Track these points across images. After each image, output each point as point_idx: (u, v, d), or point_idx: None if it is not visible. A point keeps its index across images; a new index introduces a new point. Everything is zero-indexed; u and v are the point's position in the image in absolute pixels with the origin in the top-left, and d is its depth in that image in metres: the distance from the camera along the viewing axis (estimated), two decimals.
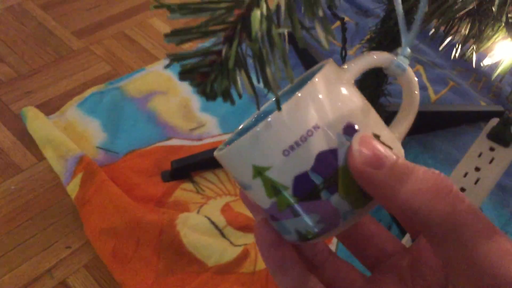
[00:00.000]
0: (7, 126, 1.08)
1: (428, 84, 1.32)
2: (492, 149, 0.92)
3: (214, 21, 0.24)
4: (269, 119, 0.24)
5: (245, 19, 0.24)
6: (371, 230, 0.31)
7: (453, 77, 1.35)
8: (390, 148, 0.25)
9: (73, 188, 0.97)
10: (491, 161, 0.91)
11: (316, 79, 0.25)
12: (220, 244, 0.91)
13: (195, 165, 1.04)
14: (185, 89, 1.19)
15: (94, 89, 1.17)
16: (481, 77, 1.36)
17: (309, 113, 0.24)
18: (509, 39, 0.45)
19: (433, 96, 1.29)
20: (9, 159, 1.03)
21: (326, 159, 0.25)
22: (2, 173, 1.00)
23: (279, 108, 0.24)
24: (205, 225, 0.94)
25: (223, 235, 0.93)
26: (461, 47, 0.44)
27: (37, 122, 1.07)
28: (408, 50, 0.28)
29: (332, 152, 0.25)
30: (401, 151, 0.28)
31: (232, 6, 0.25)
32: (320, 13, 0.23)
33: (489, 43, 0.45)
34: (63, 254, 0.89)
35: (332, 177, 0.25)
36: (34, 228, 0.92)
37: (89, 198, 0.95)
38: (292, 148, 0.24)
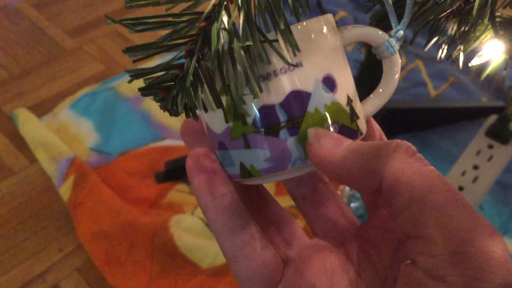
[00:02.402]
0: None
1: (427, 80, 1.30)
2: (490, 146, 0.90)
3: (176, 34, 0.23)
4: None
5: (206, 33, 0.23)
6: (328, 196, 0.30)
7: (454, 72, 1.33)
8: (358, 117, 0.26)
9: (65, 190, 0.96)
10: (489, 159, 0.89)
11: (317, 21, 0.25)
12: (214, 246, 0.90)
13: None
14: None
15: (86, 90, 1.15)
16: (482, 72, 1.33)
17: (307, 46, 0.24)
18: (497, 39, 0.44)
19: (433, 92, 1.27)
20: (0, 161, 1.02)
21: (298, 99, 0.24)
22: None
23: (244, 123, 0.24)
24: (199, 226, 0.92)
25: None
26: (448, 47, 0.42)
27: (28, 124, 1.06)
28: (401, 32, 0.27)
29: (305, 95, 0.24)
30: (364, 126, 0.27)
31: (193, 19, 0.23)
32: (282, 26, 0.22)
33: (477, 43, 0.43)
34: (56, 258, 0.88)
35: (297, 119, 0.24)
36: (26, 231, 0.91)
37: (81, 201, 0.94)
38: (269, 76, 0.24)
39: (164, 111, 0.24)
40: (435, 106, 1.20)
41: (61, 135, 1.06)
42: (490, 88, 1.29)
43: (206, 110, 0.24)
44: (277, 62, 0.24)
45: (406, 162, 0.21)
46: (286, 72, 0.24)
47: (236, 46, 0.22)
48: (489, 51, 0.45)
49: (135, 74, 0.23)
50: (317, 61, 0.25)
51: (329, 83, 0.25)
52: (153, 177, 1.01)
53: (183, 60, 0.23)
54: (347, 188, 0.97)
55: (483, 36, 0.43)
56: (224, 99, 0.24)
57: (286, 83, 0.24)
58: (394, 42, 0.27)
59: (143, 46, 0.23)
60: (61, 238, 0.91)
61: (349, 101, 0.26)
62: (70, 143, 1.04)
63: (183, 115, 0.24)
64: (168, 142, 1.07)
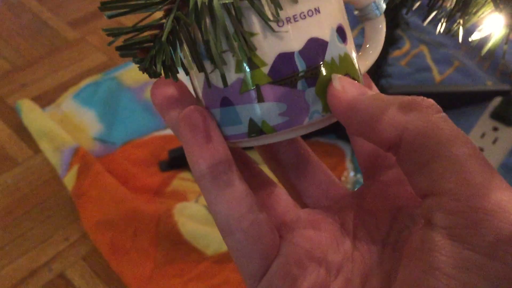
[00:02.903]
0: (2, 119, 1.08)
1: (432, 65, 1.29)
2: (495, 128, 0.89)
3: None
4: None
5: None
6: (314, 166, 0.28)
7: (459, 56, 1.31)
8: (360, 72, 0.25)
9: (69, 180, 0.96)
10: (494, 141, 0.88)
11: None
12: (219, 233, 0.90)
13: None
14: (182, 77, 1.17)
15: (89, 80, 1.15)
16: (488, 56, 1.32)
17: None
18: (497, 12, 0.43)
19: (437, 77, 1.26)
20: (5, 152, 1.02)
21: (316, 47, 0.23)
22: None
23: (225, 84, 0.23)
24: (203, 214, 0.92)
25: None
26: (447, 21, 0.42)
27: (32, 115, 1.06)
28: None
29: (323, 44, 0.23)
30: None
31: None
32: None
33: (476, 18, 0.42)
34: (61, 247, 0.89)
35: (315, 69, 0.23)
36: (31, 221, 0.92)
37: (86, 190, 0.94)
38: (288, 20, 0.22)
39: (143, 73, 0.23)
40: (440, 90, 1.19)
41: (64, 125, 1.06)
42: (495, 72, 1.28)
43: (186, 71, 0.23)
44: (298, 5, 0.22)
45: (431, 117, 0.20)
46: (305, 17, 0.23)
47: (216, 3, 0.21)
48: (489, 25, 0.44)
49: (112, 33, 0.22)
50: (331, 9, 0.24)
51: (342, 33, 0.24)
52: (156, 165, 1.01)
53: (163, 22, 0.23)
54: (351, 173, 0.97)
55: (482, 10, 0.43)
56: (237, 46, 0.22)
57: (305, 29, 0.23)
58: (381, 2, 0.27)
59: (120, 2, 0.22)
60: (66, 227, 0.91)
61: (355, 54, 0.25)
62: (74, 133, 1.05)
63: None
64: (171, 131, 1.07)
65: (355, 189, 0.28)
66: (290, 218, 0.26)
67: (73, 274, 0.86)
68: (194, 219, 0.91)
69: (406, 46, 1.34)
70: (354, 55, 0.25)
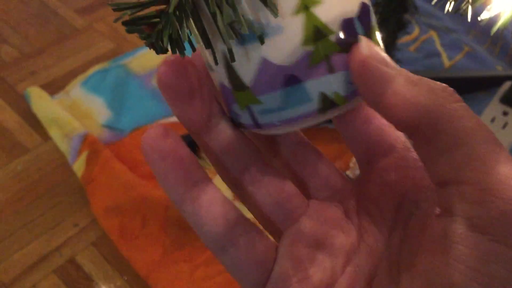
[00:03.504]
0: (12, 107, 1.08)
1: (441, 50, 1.28)
2: (505, 113, 0.89)
3: None
4: None
5: None
6: (313, 155, 0.27)
7: (468, 41, 1.30)
8: None
9: (79, 166, 0.97)
10: (504, 126, 0.88)
11: None
12: None
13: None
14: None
15: (97, 67, 1.16)
16: (497, 41, 1.31)
17: None
18: None
19: (447, 62, 1.25)
20: (15, 139, 1.03)
21: (366, 13, 0.22)
22: (9, 154, 1.00)
23: (232, 59, 0.22)
24: None
25: None
26: (455, 0, 0.41)
27: (41, 102, 1.07)
28: None
29: (368, 9, 0.23)
30: None
31: None
32: None
33: None
34: (71, 232, 0.90)
35: (369, 33, 0.22)
36: (41, 207, 0.93)
37: (95, 176, 0.95)
38: None
39: (150, 49, 0.23)
40: (449, 76, 1.18)
41: (73, 113, 1.06)
42: (505, 57, 1.26)
43: (193, 47, 0.23)
44: None
45: (453, 105, 0.20)
46: None
47: None
48: (499, 4, 0.43)
49: (119, 8, 0.22)
50: None
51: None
52: None
53: None
54: None
55: None
56: (301, 18, 0.21)
57: None
58: None
59: None
60: (76, 213, 0.92)
61: None
62: (82, 120, 1.05)
63: None
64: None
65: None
66: (293, 209, 0.25)
67: (83, 259, 0.87)
68: None
69: (415, 31, 1.33)
70: None
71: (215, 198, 0.23)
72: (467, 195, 0.18)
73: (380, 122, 0.25)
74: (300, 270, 0.23)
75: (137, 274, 0.84)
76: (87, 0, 1.32)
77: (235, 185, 0.26)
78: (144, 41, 0.24)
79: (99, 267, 0.86)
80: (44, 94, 1.09)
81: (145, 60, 1.17)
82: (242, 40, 0.22)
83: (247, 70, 0.22)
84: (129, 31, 0.23)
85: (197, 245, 0.88)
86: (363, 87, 0.21)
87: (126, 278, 0.84)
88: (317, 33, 0.21)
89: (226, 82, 0.23)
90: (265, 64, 0.22)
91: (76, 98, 1.10)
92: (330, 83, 0.22)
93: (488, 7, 0.46)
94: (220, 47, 0.23)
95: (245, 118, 0.24)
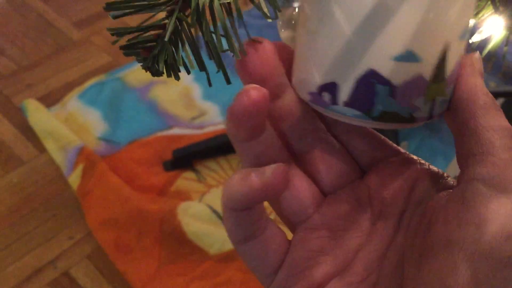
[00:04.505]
0: (8, 119, 1.09)
1: None
2: None
3: None
4: None
5: None
6: (328, 151, 0.27)
7: None
8: None
9: (74, 179, 0.97)
10: None
11: None
12: (222, 231, 0.91)
13: (197, 154, 1.03)
14: (186, 78, 1.18)
15: (94, 80, 1.16)
16: (490, 58, 1.32)
17: None
18: (497, 14, 0.43)
19: None
20: (11, 151, 1.03)
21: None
22: (4, 166, 1.01)
23: (228, 82, 0.23)
24: (206, 213, 0.93)
25: None
26: None
27: (37, 114, 1.07)
28: None
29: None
30: None
31: None
32: None
33: (477, 19, 0.43)
34: (66, 245, 0.90)
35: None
36: (36, 219, 0.93)
37: (91, 189, 0.95)
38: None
39: (146, 71, 0.24)
40: None
41: (69, 125, 1.07)
42: (498, 73, 1.28)
43: (188, 70, 0.24)
44: None
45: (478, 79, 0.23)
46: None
47: (216, 3, 0.22)
48: (489, 27, 0.45)
49: (117, 33, 0.23)
50: None
51: None
52: (160, 165, 1.02)
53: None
54: None
55: (482, 12, 0.43)
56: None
57: None
58: None
59: (125, 3, 0.23)
60: (71, 226, 0.92)
61: None
62: (79, 133, 1.06)
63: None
64: (175, 131, 1.08)
65: None
66: (308, 204, 0.26)
67: (77, 273, 0.87)
68: (197, 218, 0.92)
69: None
70: None
71: None
72: (490, 165, 0.21)
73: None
74: (311, 258, 0.25)
75: (132, 287, 0.84)
76: (85, 13, 1.33)
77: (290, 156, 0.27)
78: (141, 64, 0.25)
79: (93, 280, 0.86)
80: (40, 107, 1.09)
81: (142, 73, 1.18)
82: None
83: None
84: (126, 55, 0.24)
85: (192, 258, 0.88)
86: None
87: None
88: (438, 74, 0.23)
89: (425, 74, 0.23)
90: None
91: (73, 111, 1.10)
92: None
93: (479, 30, 0.47)
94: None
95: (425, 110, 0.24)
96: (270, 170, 0.22)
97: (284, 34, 0.66)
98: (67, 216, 0.94)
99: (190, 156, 1.03)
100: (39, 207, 0.95)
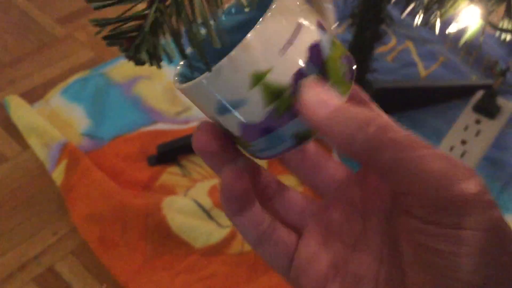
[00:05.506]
0: None
1: (418, 60, 1.31)
2: (478, 121, 0.91)
3: None
4: (257, 26, 0.24)
5: None
6: (319, 157, 0.32)
7: (444, 52, 1.33)
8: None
9: (58, 175, 0.97)
10: (477, 134, 0.90)
11: None
12: (207, 226, 0.91)
13: (181, 149, 1.03)
14: (170, 73, 1.18)
15: (77, 76, 1.16)
16: (472, 52, 1.34)
17: (293, 11, 0.25)
18: (473, 5, 0.44)
19: (423, 72, 1.28)
20: None
21: (316, 51, 0.26)
22: None
23: (209, 70, 0.25)
24: (191, 207, 0.93)
25: (210, 217, 0.93)
26: (424, 13, 0.43)
27: (20, 111, 1.07)
28: None
29: (318, 45, 0.26)
30: None
31: None
32: None
33: (453, 10, 0.44)
34: (50, 241, 0.89)
35: (322, 67, 0.26)
36: (19, 216, 0.92)
37: (74, 185, 0.95)
38: (286, 46, 0.25)
39: (129, 61, 0.25)
40: (425, 85, 1.21)
41: (52, 121, 1.06)
42: (480, 67, 1.30)
43: (170, 60, 0.24)
44: (286, 31, 0.25)
45: (385, 128, 0.23)
46: (296, 36, 0.25)
47: None
48: (466, 17, 0.45)
49: (99, 24, 0.23)
50: (309, 14, 0.26)
51: (322, 25, 0.27)
52: (145, 160, 1.02)
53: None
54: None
55: (459, 3, 0.44)
56: (258, 89, 0.25)
57: (301, 44, 0.25)
58: None
59: None
60: (55, 222, 0.92)
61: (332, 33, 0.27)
62: (62, 129, 1.05)
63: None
64: (159, 126, 1.08)
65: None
66: (304, 212, 0.31)
67: (62, 268, 0.86)
68: (182, 212, 0.92)
69: (392, 42, 1.35)
70: (334, 36, 0.27)
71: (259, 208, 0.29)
72: (414, 203, 0.23)
73: None
74: (315, 254, 0.29)
75: (117, 282, 0.84)
76: (67, 9, 1.32)
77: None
78: (123, 53, 0.25)
79: (78, 275, 0.86)
80: (23, 103, 1.08)
81: (126, 69, 1.18)
82: (222, 112, 0.27)
83: (234, 128, 0.27)
84: (109, 45, 0.25)
85: (177, 252, 0.88)
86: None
87: (105, 286, 0.84)
88: (273, 96, 0.25)
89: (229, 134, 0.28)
90: (243, 125, 0.27)
91: (56, 107, 1.10)
92: (297, 124, 0.26)
93: (456, 20, 0.48)
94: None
95: (250, 153, 0.29)
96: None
97: None
98: (51, 212, 0.93)
99: (175, 151, 1.03)
100: (23, 204, 0.94)
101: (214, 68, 0.24)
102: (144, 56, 0.24)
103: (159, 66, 0.25)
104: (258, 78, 0.25)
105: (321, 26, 0.26)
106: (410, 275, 0.24)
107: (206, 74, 0.25)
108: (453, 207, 0.21)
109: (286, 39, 0.25)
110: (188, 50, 0.27)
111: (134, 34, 0.25)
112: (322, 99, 0.24)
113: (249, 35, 0.24)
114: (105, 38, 0.24)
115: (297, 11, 0.26)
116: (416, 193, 0.22)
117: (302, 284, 0.28)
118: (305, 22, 0.25)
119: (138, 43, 0.24)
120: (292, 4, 0.26)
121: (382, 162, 0.23)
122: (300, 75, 0.25)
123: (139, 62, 0.25)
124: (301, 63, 0.25)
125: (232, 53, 0.24)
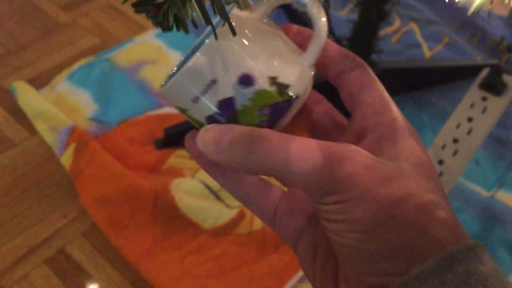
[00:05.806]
0: None
1: (422, 41, 1.31)
2: (484, 98, 0.91)
3: None
4: (175, 76, 0.28)
5: None
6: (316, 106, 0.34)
7: (448, 33, 1.33)
8: (288, 84, 0.28)
9: (66, 159, 0.97)
10: (483, 111, 0.90)
11: (209, 40, 0.27)
12: (216, 206, 0.92)
13: (188, 131, 1.03)
14: (176, 57, 1.18)
15: (83, 62, 1.16)
16: (477, 32, 1.34)
17: (207, 69, 0.27)
18: None
19: (427, 53, 1.27)
20: (1, 134, 1.03)
21: (226, 104, 0.28)
22: None
23: (234, 33, 0.26)
24: (199, 188, 0.94)
25: (218, 198, 0.94)
26: None
27: (27, 96, 1.07)
28: None
29: (230, 99, 0.28)
30: (303, 85, 0.29)
31: None
32: None
33: None
34: (60, 224, 0.90)
35: (233, 117, 0.28)
36: (30, 200, 0.93)
37: (83, 168, 0.95)
38: (197, 98, 0.28)
39: (157, 27, 0.26)
40: (430, 65, 1.21)
41: (59, 106, 1.07)
42: (484, 47, 1.29)
43: (195, 25, 0.25)
44: (197, 88, 0.27)
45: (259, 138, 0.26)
46: (207, 91, 0.27)
47: None
48: None
49: None
50: (227, 71, 0.27)
51: (246, 79, 0.28)
52: (152, 144, 1.03)
53: None
54: None
55: None
56: (186, 115, 0.29)
57: (212, 98, 0.28)
58: None
59: None
60: (65, 205, 0.93)
61: (272, 79, 0.28)
62: (69, 114, 1.06)
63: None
64: (166, 110, 1.08)
65: None
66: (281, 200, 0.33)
67: (73, 250, 0.87)
68: (191, 194, 0.93)
69: (397, 23, 1.35)
70: (268, 82, 0.28)
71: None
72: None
73: None
74: (287, 214, 0.32)
75: (128, 263, 0.85)
76: None
77: None
78: (151, 20, 0.26)
79: (89, 256, 0.86)
80: (30, 88, 1.09)
81: (130, 54, 1.18)
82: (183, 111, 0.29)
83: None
84: (137, 12, 0.26)
85: (186, 233, 0.89)
86: None
87: (116, 267, 0.85)
88: (196, 122, 0.29)
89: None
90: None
91: (62, 92, 1.10)
92: None
93: None
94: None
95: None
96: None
97: None
98: (60, 196, 0.94)
99: (181, 134, 1.03)
100: (32, 188, 0.95)
101: (160, 89, 0.29)
102: (172, 21, 0.25)
103: (186, 32, 0.26)
104: (182, 110, 0.29)
105: (244, 80, 0.28)
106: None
107: (163, 86, 0.29)
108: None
109: (196, 94, 0.27)
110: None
111: (161, 1, 0.26)
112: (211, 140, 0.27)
113: (168, 84, 0.28)
114: (134, 5, 0.25)
115: (220, 61, 0.27)
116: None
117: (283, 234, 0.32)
118: (220, 78, 0.27)
119: (166, 9, 0.25)
120: (225, 47, 0.27)
121: (270, 171, 0.26)
122: (212, 119, 0.28)
123: (166, 28, 0.26)
124: (211, 112, 0.28)
125: (166, 86, 0.28)
